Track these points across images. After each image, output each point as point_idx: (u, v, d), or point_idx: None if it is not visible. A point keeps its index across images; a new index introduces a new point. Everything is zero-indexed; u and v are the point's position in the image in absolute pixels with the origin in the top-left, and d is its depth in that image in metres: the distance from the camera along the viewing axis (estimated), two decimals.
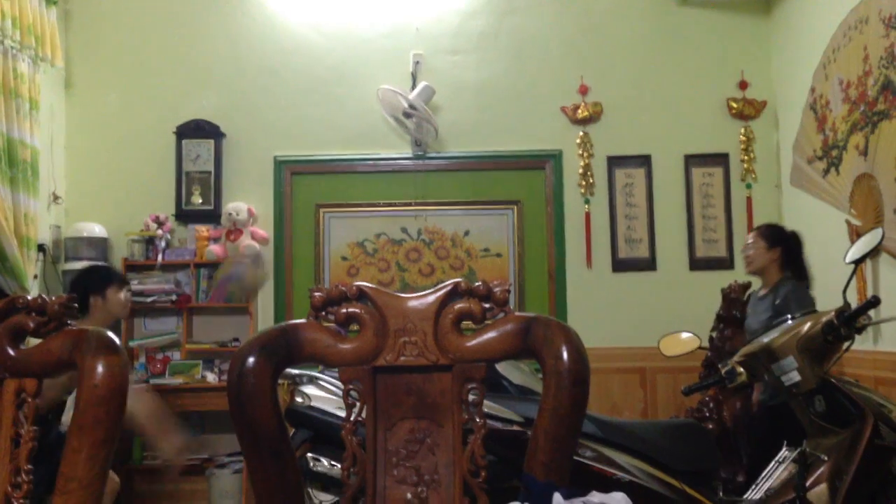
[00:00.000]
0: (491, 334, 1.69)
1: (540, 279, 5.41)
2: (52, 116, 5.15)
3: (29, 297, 1.62)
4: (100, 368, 1.47)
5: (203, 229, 5.32)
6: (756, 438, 3.59)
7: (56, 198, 5.18)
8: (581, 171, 5.44)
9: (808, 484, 2.33)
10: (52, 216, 5.16)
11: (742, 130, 5.44)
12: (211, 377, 5.17)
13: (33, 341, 1.62)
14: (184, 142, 5.39)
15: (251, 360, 1.63)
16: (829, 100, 4.60)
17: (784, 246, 3.80)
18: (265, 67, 5.52)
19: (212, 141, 5.40)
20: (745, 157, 5.42)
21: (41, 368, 1.57)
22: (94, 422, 1.44)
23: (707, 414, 4.27)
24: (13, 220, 4.42)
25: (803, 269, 3.90)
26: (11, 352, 1.57)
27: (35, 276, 4.71)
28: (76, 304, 1.62)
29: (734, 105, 5.44)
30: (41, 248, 4.88)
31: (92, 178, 5.41)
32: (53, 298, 1.60)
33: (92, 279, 3.71)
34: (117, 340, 1.54)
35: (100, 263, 3.91)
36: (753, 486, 2.55)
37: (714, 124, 5.46)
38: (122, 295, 3.74)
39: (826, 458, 2.38)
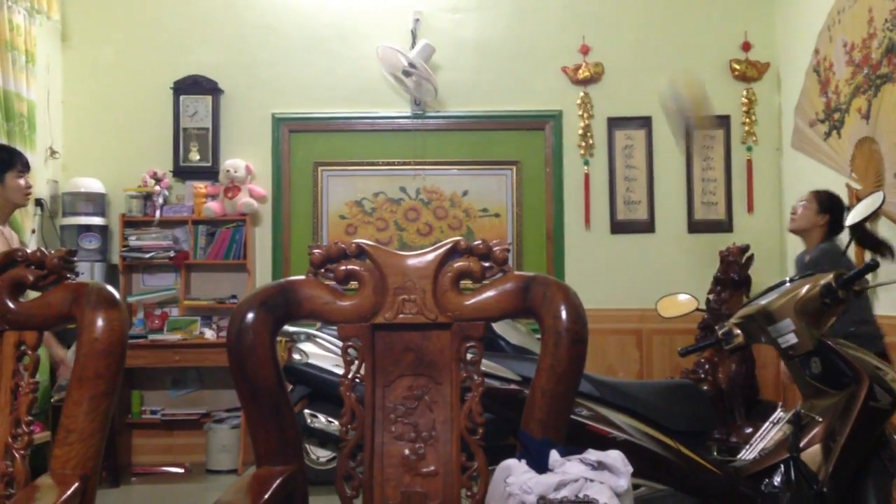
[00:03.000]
0: (490, 293, 1.69)
1: (538, 240, 5.41)
2: (48, 70, 5.09)
3: (27, 251, 1.61)
4: (99, 322, 1.48)
5: (201, 186, 5.30)
6: None
7: (53, 152, 5.15)
8: (581, 131, 5.41)
9: (801, 445, 2.36)
10: (49, 171, 5.13)
11: (744, 92, 5.40)
12: (209, 333, 5.19)
13: (32, 294, 1.62)
14: (181, 97, 5.35)
15: (250, 315, 1.63)
16: (832, 62, 4.56)
17: (833, 216, 3.77)
18: (264, 23, 5.45)
19: (209, 97, 5.36)
20: (747, 120, 5.39)
21: (41, 321, 1.57)
22: (94, 375, 1.45)
23: (702, 375, 4.31)
24: None
25: (878, 241, 3.83)
26: (11, 304, 1.57)
27: (33, 231, 4.70)
28: (75, 258, 1.62)
29: (737, 67, 5.40)
30: (39, 202, 4.86)
31: (89, 132, 5.37)
32: (52, 252, 1.59)
33: None
34: (117, 295, 1.54)
35: (2, 145, 3.71)
36: (747, 447, 2.58)
37: (716, 86, 5.39)
38: (22, 181, 3.56)
39: (820, 420, 2.40)
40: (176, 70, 5.34)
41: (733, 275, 4.49)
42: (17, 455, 1.49)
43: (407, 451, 1.67)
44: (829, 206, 3.78)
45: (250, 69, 5.44)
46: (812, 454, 2.36)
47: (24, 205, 3.90)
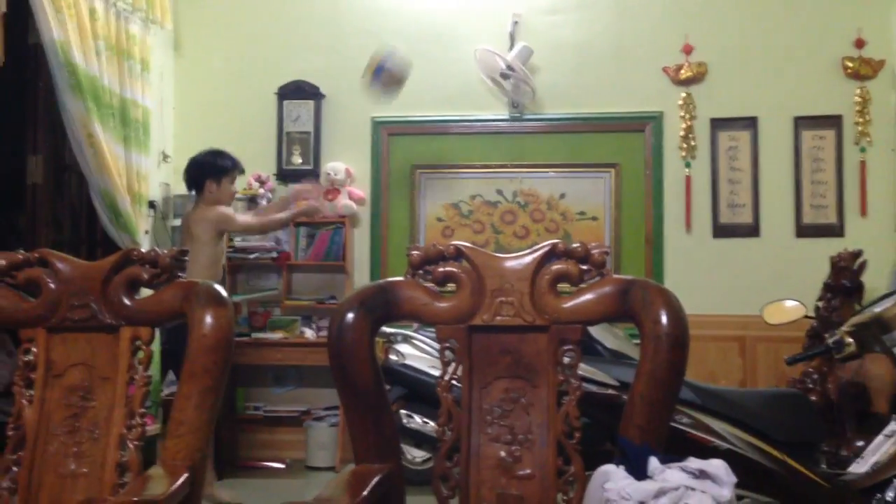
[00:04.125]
0: (588, 296, 1.68)
1: (637, 244, 5.31)
2: (161, 77, 5.32)
3: (142, 251, 1.69)
4: (208, 319, 1.53)
5: None
6: None
7: (165, 156, 5.38)
8: (682, 133, 5.29)
9: None
10: (161, 174, 5.35)
11: (857, 91, 5.17)
12: (309, 333, 5.31)
13: (146, 292, 1.70)
14: (284, 102, 5.50)
15: (351, 315, 1.67)
16: None
17: None
18: (364, 29, 5.54)
19: (311, 102, 5.49)
20: (860, 120, 5.16)
21: (154, 318, 1.65)
22: (203, 370, 1.51)
23: (810, 385, 4.13)
24: (126, 176, 4.60)
25: None
26: (127, 301, 1.65)
27: (146, 232, 4.91)
28: (186, 258, 1.69)
29: (850, 64, 5.17)
30: (152, 204, 5.07)
31: (198, 137, 5.56)
32: (165, 252, 1.67)
33: (214, 166, 4.10)
34: (225, 293, 1.60)
35: (221, 151, 4.29)
36: (858, 460, 2.46)
37: (827, 84, 5.20)
38: (234, 186, 4.14)
39: None
40: (280, 76, 5.50)
41: (845, 281, 4.28)
42: (130, 445, 1.57)
43: (503, 454, 1.67)
44: None
45: (351, 74, 5.51)
46: None
47: (229, 206, 4.35)
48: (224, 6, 5.67)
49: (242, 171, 4.37)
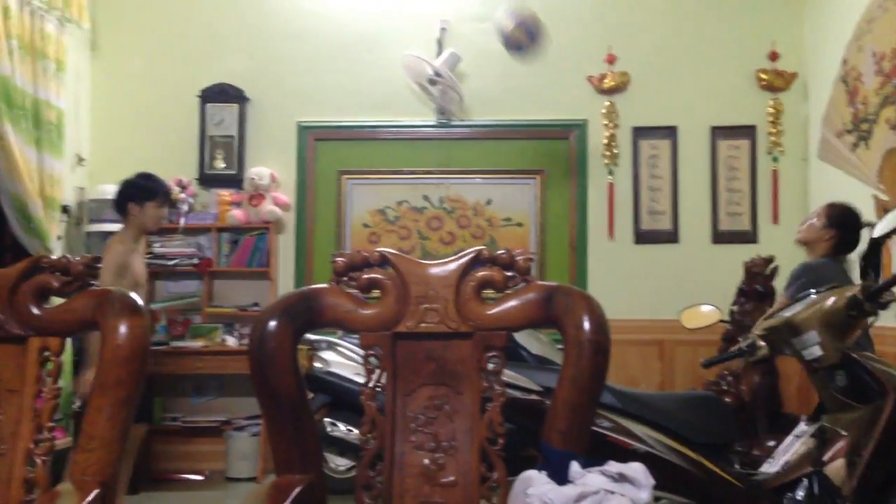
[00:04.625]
0: (512, 303, 1.68)
1: (561, 250, 5.39)
2: (77, 78, 5.16)
3: (53, 258, 1.63)
4: (122, 329, 1.48)
5: (225, 194, 5.34)
6: None
7: (80, 160, 5.21)
8: (606, 141, 5.39)
9: (825, 458, 2.32)
10: (76, 178, 5.19)
11: (771, 102, 5.36)
12: (231, 340, 5.21)
13: (57, 301, 1.63)
14: (208, 106, 5.40)
15: (273, 323, 1.64)
16: (861, 72, 4.51)
17: (842, 232, 3.51)
18: (290, 32, 5.49)
19: (236, 105, 5.40)
20: (773, 130, 5.35)
21: (65, 327, 1.58)
22: (116, 382, 1.46)
23: (725, 387, 4.26)
24: (38, 180, 4.45)
25: (875, 265, 3.68)
26: (36, 310, 1.59)
27: (59, 237, 4.75)
28: (99, 265, 1.63)
29: (764, 76, 5.35)
30: (65, 209, 4.91)
31: (116, 140, 5.43)
32: (77, 259, 1.61)
33: (137, 189, 3.91)
34: (140, 302, 1.55)
35: (149, 174, 4.09)
36: (770, 460, 2.54)
37: (742, 96, 5.37)
38: (160, 211, 3.95)
39: (845, 434, 2.37)
40: (203, 78, 5.40)
41: (758, 286, 4.44)
42: (38, 460, 1.50)
43: (427, 461, 1.67)
44: (838, 222, 3.54)
45: (276, 77, 5.48)
46: (836, 468, 2.32)
47: (153, 231, 4.22)
48: (144, 6, 5.53)
49: (168, 198, 4.15)
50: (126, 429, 1.45)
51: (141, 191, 3.92)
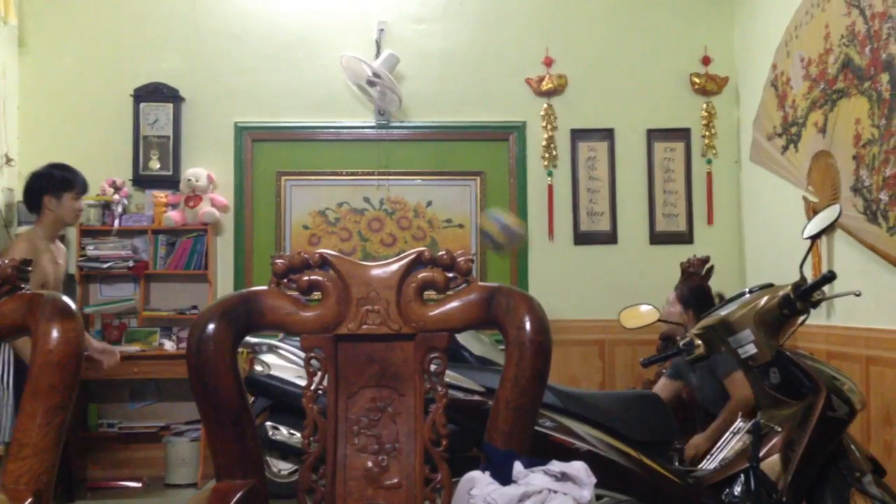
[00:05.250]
0: (454, 304, 1.69)
1: None
2: (3, 76, 4.99)
3: None
4: (55, 334, 1.44)
5: (161, 195, 5.23)
6: None
7: (9, 160, 5.04)
8: (545, 143, 5.45)
9: (761, 454, 2.38)
10: (4, 179, 5.02)
11: (704, 106, 5.48)
12: (168, 345, 5.11)
13: None
14: (141, 105, 5.28)
15: (211, 326, 1.61)
16: (789, 77, 4.64)
17: (697, 308, 3.81)
18: (226, 31, 5.41)
19: (170, 105, 5.29)
20: (707, 133, 5.47)
21: None
22: (49, 388, 1.41)
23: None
24: None
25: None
26: None
27: None
28: (29, 269, 1.58)
29: (697, 80, 5.47)
30: None
31: (46, 140, 5.27)
32: (6, 261, 1.56)
33: (52, 181, 3.71)
34: (73, 305, 1.51)
35: (64, 164, 3.89)
36: (708, 457, 2.60)
37: (677, 99, 5.48)
38: (78, 203, 3.78)
39: (779, 430, 2.43)
40: (136, 77, 5.27)
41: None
42: None
43: (370, 464, 1.66)
44: (691, 302, 3.87)
45: (212, 77, 5.39)
46: (771, 464, 2.38)
47: (73, 225, 4.09)
48: (74, 1, 5.38)
49: (86, 189, 3.97)
50: (61, 435, 1.41)
51: (57, 182, 3.72)
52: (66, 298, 1.52)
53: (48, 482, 1.40)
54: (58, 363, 1.42)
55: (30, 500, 1.33)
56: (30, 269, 1.56)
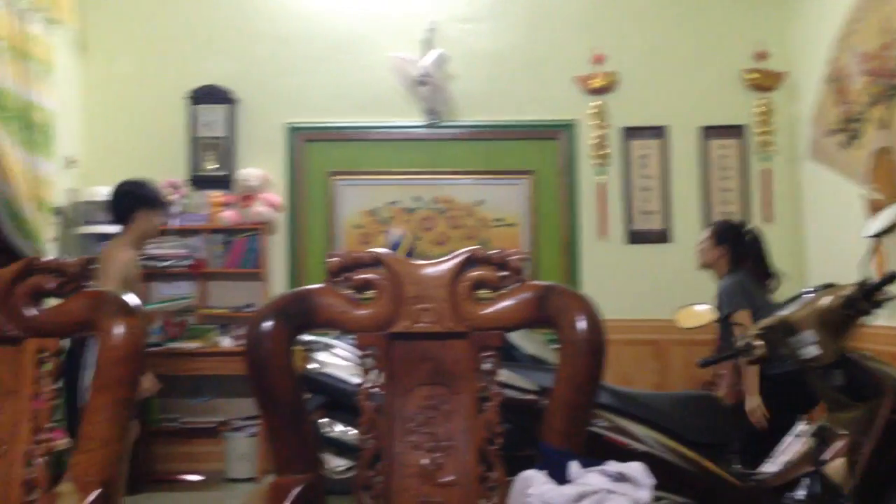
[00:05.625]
0: (507, 302, 1.68)
1: (553, 250, 5.39)
2: (67, 79, 5.13)
3: (47, 259, 1.62)
4: (119, 330, 1.48)
5: (216, 195, 5.33)
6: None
7: (72, 161, 5.18)
8: (595, 141, 5.40)
9: (825, 457, 2.32)
10: (68, 179, 5.16)
11: (760, 102, 5.38)
12: (226, 342, 5.20)
13: (52, 302, 1.62)
14: (196, 107, 5.38)
15: (268, 324, 1.63)
16: (848, 72, 4.53)
17: (731, 244, 3.87)
18: (279, 34, 5.48)
19: (225, 106, 5.39)
20: (763, 130, 5.37)
21: (61, 329, 1.58)
22: (114, 381, 1.45)
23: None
24: (29, 182, 4.43)
25: (762, 266, 3.94)
26: (31, 312, 1.58)
27: (53, 239, 4.73)
28: (93, 266, 1.63)
29: (752, 76, 5.37)
30: (58, 211, 4.89)
31: (107, 141, 5.41)
32: (72, 260, 1.60)
33: (146, 195, 3.88)
34: (136, 302, 1.54)
35: (151, 182, 4.07)
36: (769, 459, 2.55)
37: (731, 96, 5.39)
38: (160, 220, 3.97)
39: (844, 433, 2.37)
40: (191, 80, 5.38)
41: None
42: (37, 461, 1.50)
43: (425, 461, 1.66)
44: (723, 238, 3.89)
45: (265, 79, 5.47)
46: (836, 467, 2.32)
47: (151, 239, 4.23)
48: (133, 7, 5.51)
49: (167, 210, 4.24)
50: (125, 428, 1.44)
51: (151, 199, 3.89)
52: (129, 296, 1.56)
53: (115, 473, 1.43)
54: (122, 358, 1.46)
55: (98, 491, 1.37)
56: (95, 265, 1.61)
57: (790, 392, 3.11)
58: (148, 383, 3.86)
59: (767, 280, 3.95)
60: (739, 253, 3.89)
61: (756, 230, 4.19)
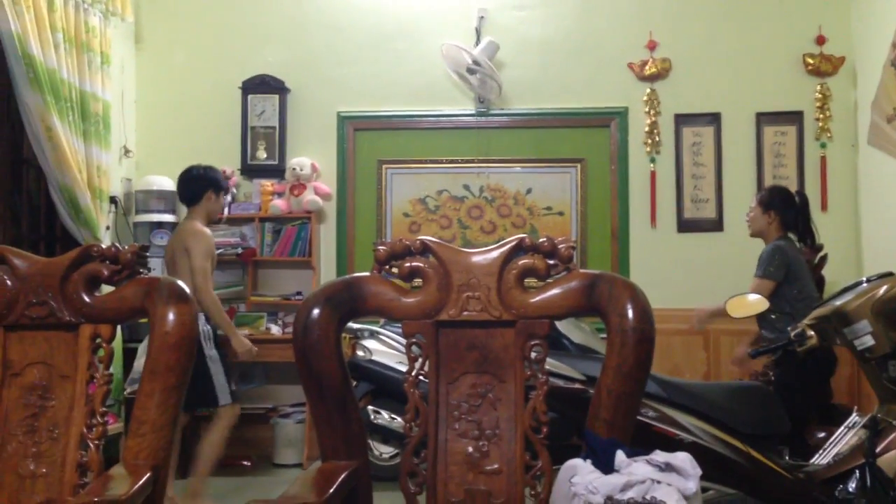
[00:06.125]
0: (555, 291, 1.68)
1: (602, 238, 5.34)
2: (122, 71, 5.23)
3: (102, 246, 1.66)
4: (171, 316, 1.51)
5: (267, 184, 5.39)
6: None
7: (127, 151, 5.30)
8: (647, 128, 5.33)
9: (878, 450, 2.27)
10: (123, 169, 5.27)
11: (818, 87, 5.24)
12: (275, 329, 5.27)
13: (107, 289, 1.66)
14: (249, 97, 5.44)
15: (316, 311, 1.65)
16: None
17: (779, 209, 3.82)
18: (329, 23, 5.51)
19: (276, 96, 5.44)
20: (821, 116, 5.23)
21: (115, 315, 1.61)
22: (166, 368, 1.48)
23: (773, 377, 4.19)
24: (86, 172, 4.53)
25: (808, 229, 3.93)
26: (87, 298, 1.62)
27: (108, 228, 4.83)
28: (147, 254, 1.66)
29: (811, 61, 5.23)
30: (113, 200, 5.00)
31: (161, 132, 5.51)
32: (126, 248, 1.64)
33: (216, 178, 4.18)
34: (188, 289, 1.57)
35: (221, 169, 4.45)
36: (821, 451, 2.50)
37: (788, 81, 5.26)
38: (223, 204, 4.32)
39: None
40: (244, 70, 5.44)
41: None
42: (91, 445, 1.54)
43: (471, 449, 1.67)
44: (771, 204, 3.83)
45: (316, 68, 5.50)
46: (889, 460, 2.27)
47: (216, 221, 4.53)
48: None
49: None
50: (176, 413, 1.47)
51: (219, 182, 4.19)
52: (181, 283, 1.59)
53: (165, 458, 1.47)
54: (174, 345, 1.49)
55: (148, 474, 1.40)
56: (148, 254, 1.64)
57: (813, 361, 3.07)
58: (241, 347, 4.17)
59: (807, 241, 3.93)
60: (789, 218, 3.86)
61: (803, 193, 4.16)
